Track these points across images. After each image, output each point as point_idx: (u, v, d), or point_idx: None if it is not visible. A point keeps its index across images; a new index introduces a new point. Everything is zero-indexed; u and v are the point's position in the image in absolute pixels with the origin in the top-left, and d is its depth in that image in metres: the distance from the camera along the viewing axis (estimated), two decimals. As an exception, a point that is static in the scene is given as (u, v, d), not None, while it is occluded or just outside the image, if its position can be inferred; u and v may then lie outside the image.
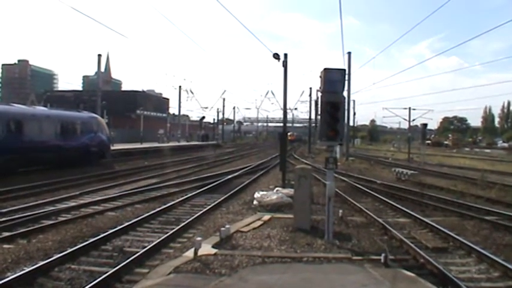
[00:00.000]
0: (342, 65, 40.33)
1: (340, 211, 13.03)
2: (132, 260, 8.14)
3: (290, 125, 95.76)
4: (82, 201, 15.07)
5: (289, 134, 76.62)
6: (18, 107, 25.59)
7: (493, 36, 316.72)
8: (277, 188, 17.01)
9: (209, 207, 14.30)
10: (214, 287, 6.87)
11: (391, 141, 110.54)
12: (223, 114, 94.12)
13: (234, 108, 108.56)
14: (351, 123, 62.30)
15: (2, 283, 6.83)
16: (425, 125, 45.55)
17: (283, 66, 20.19)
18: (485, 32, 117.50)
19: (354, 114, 69.98)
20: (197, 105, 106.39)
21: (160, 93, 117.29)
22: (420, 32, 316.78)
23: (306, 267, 8.08)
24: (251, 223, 11.79)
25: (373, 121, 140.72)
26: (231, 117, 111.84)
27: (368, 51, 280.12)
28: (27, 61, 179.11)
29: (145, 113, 67.89)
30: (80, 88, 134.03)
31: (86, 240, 9.64)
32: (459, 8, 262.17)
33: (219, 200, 15.64)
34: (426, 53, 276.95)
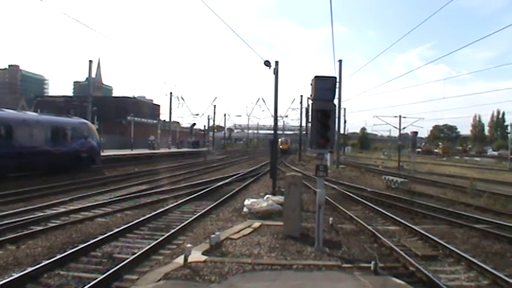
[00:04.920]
0: (332, 72, 40.41)
1: (331, 219, 13.07)
2: (121, 267, 8.10)
3: (281, 132, 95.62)
4: (72, 207, 15.01)
5: (281, 140, 75.97)
6: (8, 112, 25.42)
7: (481, 45, 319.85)
8: (267, 195, 17.01)
9: (199, 214, 14.27)
10: (204, 294, 6.86)
11: (381, 149, 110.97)
12: (213, 121, 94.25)
13: (224, 115, 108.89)
14: (342, 131, 62.64)
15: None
16: (415, 133, 45.94)
17: (275, 73, 20.27)
18: (475, 41, 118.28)
19: (345, 122, 70.53)
20: (188, 111, 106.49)
21: (151, 100, 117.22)
22: (409, 40, 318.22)
23: (296, 274, 8.08)
24: (241, 230, 11.78)
25: (363, 129, 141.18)
26: (222, 124, 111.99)
27: (357, 59, 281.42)
28: (17, 66, 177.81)
29: (136, 119, 67.63)
30: (70, 94, 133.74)
31: (76, 246, 9.59)
32: (448, 17, 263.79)
33: (209, 207, 15.61)
34: (415, 62, 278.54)
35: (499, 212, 16.66)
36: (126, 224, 12.22)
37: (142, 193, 18.95)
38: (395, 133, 66.20)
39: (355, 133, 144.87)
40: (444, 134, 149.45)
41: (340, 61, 40.83)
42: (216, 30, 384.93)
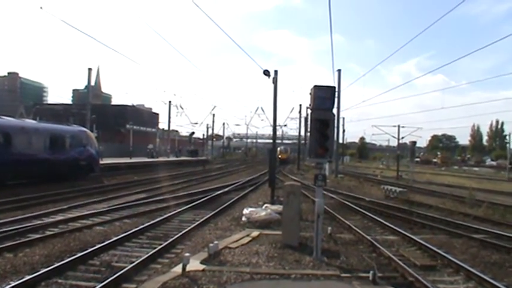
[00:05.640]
0: (330, 82, 40.55)
1: (329, 228, 13.05)
2: (119, 275, 8.07)
3: (279, 141, 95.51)
4: (70, 215, 14.99)
5: (280, 149, 75.34)
6: (7, 120, 25.41)
7: (479, 55, 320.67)
8: (266, 205, 16.99)
9: (197, 223, 14.25)
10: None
11: (380, 158, 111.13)
12: (212, 130, 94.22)
13: (223, 124, 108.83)
14: (341, 141, 62.65)
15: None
16: (414, 142, 45.87)
17: (273, 82, 20.32)
18: (473, 51, 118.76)
19: (344, 131, 70.37)
20: (187, 120, 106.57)
21: (150, 108, 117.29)
22: (407, 50, 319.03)
23: (294, 284, 8.06)
24: (239, 239, 11.77)
25: (362, 138, 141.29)
26: (221, 133, 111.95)
27: (355, 68, 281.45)
28: (17, 73, 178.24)
29: (134, 127, 67.65)
30: (69, 101, 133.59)
31: (74, 255, 9.55)
32: (446, 27, 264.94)
33: (208, 216, 15.59)
34: (413, 71, 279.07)
35: (497, 222, 16.67)
36: (125, 232, 12.19)
37: (141, 202, 18.93)
38: (393, 143, 66.32)
39: (353, 143, 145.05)
40: (443, 144, 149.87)
41: (339, 70, 41.00)
42: (215, 39, 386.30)
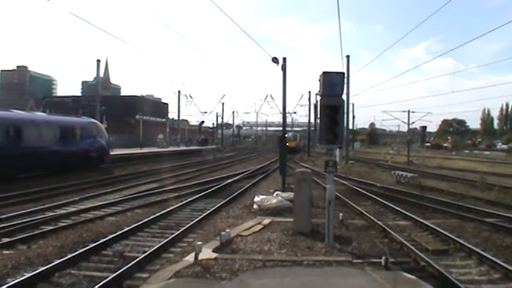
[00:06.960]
0: (338, 68, 40.34)
1: (341, 214, 13.00)
2: (132, 265, 8.11)
3: (289, 128, 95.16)
4: (82, 207, 15.06)
5: (288, 136, 73.59)
6: (17, 113, 25.57)
7: (489, 37, 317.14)
8: (277, 192, 16.98)
9: (209, 211, 14.27)
10: (215, 291, 6.86)
11: (390, 144, 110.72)
12: (222, 118, 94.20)
13: (233, 112, 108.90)
14: (350, 127, 62.40)
15: (3, 289, 6.82)
16: (424, 127, 45.64)
17: (282, 70, 20.22)
18: (483, 34, 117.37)
19: (353, 117, 70.16)
20: (196, 109, 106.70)
21: (160, 98, 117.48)
22: (416, 34, 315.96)
23: (307, 270, 8.06)
24: (251, 227, 11.78)
25: (372, 124, 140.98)
26: (230, 122, 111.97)
27: (362, 53, 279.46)
28: (26, 67, 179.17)
29: (144, 118, 67.89)
30: (79, 93, 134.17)
31: (86, 246, 9.62)
32: (455, 10, 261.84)
33: (219, 204, 15.61)
34: (422, 56, 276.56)
35: (509, 205, 16.53)
36: (137, 222, 12.22)
37: (152, 191, 18.99)
38: (404, 128, 66.04)
39: (363, 128, 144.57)
40: (453, 128, 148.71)
41: (347, 56, 40.76)
42: (223, 27, 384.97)
